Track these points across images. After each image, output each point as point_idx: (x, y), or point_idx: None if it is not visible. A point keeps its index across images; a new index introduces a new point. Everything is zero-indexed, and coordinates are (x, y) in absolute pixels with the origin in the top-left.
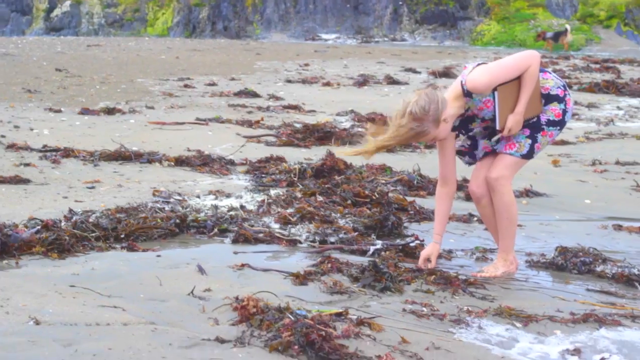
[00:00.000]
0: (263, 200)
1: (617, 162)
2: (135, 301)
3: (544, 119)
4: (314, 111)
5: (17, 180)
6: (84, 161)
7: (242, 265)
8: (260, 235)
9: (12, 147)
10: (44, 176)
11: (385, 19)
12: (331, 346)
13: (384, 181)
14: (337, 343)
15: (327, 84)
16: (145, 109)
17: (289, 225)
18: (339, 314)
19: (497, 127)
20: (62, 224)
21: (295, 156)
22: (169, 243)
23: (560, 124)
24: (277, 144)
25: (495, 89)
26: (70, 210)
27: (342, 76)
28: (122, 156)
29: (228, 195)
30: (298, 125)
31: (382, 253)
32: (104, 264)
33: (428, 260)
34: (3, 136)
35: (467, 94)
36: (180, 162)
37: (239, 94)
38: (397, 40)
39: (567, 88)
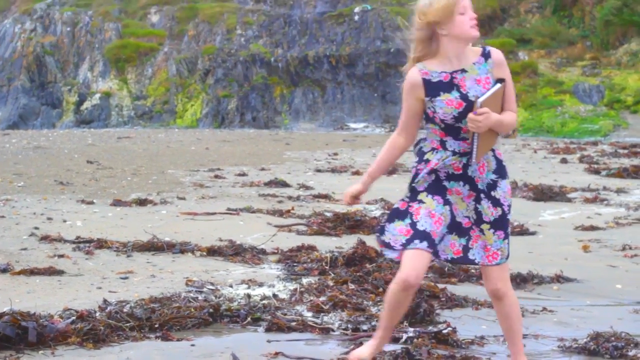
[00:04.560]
0: (295, 289)
1: None
2: None
3: (506, 206)
4: None
5: (52, 272)
6: (117, 252)
7: (276, 353)
8: (293, 323)
9: (45, 238)
10: (77, 267)
11: None
12: None
13: None
14: None
15: (357, 172)
16: (177, 199)
17: (322, 314)
18: None
19: (474, 160)
20: (97, 314)
21: (327, 245)
22: (203, 332)
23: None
24: (308, 233)
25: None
26: (105, 301)
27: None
28: (154, 247)
29: (260, 284)
30: (328, 214)
31: (415, 340)
32: (138, 353)
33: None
34: (37, 228)
35: (486, 54)
36: (212, 252)
37: (269, 183)
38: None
39: None
